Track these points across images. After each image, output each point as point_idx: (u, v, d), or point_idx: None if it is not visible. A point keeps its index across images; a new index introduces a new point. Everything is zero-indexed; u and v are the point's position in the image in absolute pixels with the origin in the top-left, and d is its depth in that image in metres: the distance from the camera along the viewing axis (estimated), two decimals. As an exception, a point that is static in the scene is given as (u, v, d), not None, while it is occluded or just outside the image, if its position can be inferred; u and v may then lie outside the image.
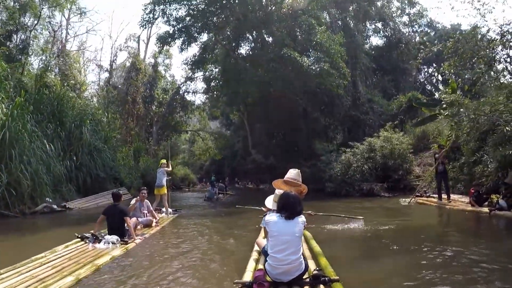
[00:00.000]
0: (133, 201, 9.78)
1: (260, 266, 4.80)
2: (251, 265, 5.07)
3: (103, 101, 35.98)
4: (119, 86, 36.79)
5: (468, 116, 12.54)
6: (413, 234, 9.02)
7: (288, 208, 4.38)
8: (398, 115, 24.83)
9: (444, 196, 13.87)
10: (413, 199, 15.08)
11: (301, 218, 4.39)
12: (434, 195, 14.99)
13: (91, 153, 20.11)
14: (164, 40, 25.66)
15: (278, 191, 5.67)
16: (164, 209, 12.82)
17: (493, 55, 13.45)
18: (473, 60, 13.53)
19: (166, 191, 12.84)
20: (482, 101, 12.78)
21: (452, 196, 13.95)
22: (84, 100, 26.24)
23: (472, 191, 12.04)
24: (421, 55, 17.57)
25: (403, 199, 15.67)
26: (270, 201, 5.87)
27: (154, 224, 9.89)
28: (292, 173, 5.99)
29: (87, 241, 7.43)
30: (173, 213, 13.08)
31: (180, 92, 40.05)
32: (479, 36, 13.36)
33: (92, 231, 7.68)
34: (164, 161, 13.77)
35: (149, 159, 30.87)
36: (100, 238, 7.44)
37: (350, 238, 8.70)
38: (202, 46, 28.95)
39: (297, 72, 22.50)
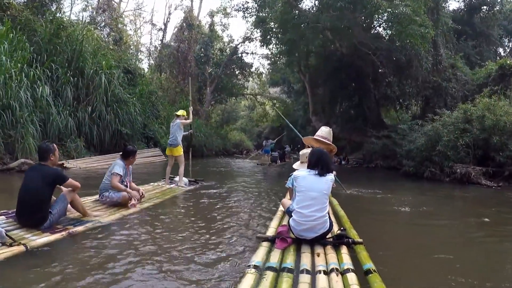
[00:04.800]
0: (116, 168, 6.73)
1: (284, 223, 4.86)
2: (274, 222, 5.23)
3: (154, 61, 36.95)
4: (172, 44, 37.09)
5: None
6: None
7: (320, 164, 4.40)
8: (488, 84, 21.84)
9: None
10: None
11: (331, 176, 4.41)
12: None
13: (112, 105, 18.24)
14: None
15: (305, 151, 5.71)
16: (177, 178, 10.22)
17: None
18: None
19: (182, 152, 10.09)
20: None
21: None
22: (123, 52, 25.41)
23: None
24: None
25: None
26: (297, 164, 5.82)
27: (132, 202, 6.69)
28: (324, 131, 6.06)
29: None
30: (189, 184, 10.42)
31: (238, 53, 39.40)
32: None
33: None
34: (182, 112, 10.48)
35: (197, 120, 30.00)
36: None
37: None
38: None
39: (370, 20, 20.20)
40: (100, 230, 5.15)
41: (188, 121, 10.39)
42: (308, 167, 4.53)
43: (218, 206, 7.59)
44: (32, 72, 13.78)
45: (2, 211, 5.27)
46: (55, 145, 5.17)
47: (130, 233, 5.15)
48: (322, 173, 4.33)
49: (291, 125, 13.21)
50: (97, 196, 6.79)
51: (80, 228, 5.02)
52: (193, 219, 6.38)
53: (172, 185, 9.88)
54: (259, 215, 6.79)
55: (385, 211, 8.13)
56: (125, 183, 6.81)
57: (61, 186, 5.28)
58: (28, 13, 16.39)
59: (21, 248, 4.05)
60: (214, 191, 9.84)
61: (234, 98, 45.83)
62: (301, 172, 4.47)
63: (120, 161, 6.87)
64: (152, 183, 10.04)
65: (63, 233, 4.71)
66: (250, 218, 6.48)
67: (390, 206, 8.64)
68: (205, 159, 25.49)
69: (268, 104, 48.93)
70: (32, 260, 3.91)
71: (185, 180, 10.25)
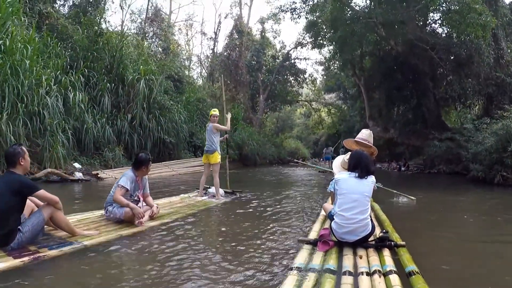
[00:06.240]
0: (123, 179, 5.78)
1: (326, 226, 4.95)
2: (316, 226, 5.33)
3: (206, 70, 36.88)
4: (223, 53, 37.98)
5: None
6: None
7: (360, 166, 4.44)
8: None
9: None
10: None
11: (372, 178, 4.44)
12: None
13: (154, 112, 17.96)
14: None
15: (346, 158, 5.63)
16: (211, 189, 9.26)
17: None
18: None
19: (219, 160, 8.99)
20: None
21: None
22: (170, 60, 25.89)
23: None
24: None
25: None
26: (337, 166, 5.91)
27: (140, 220, 5.56)
28: (364, 134, 6.08)
29: None
30: (225, 196, 9.33)
31: (291, 59, 39.89)
32: None
33: None
34: (215, 111, 9.23)
35: (249, 128, 30.03)
36: None
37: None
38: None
39: (424, 17, 19.55)
40: (79, 256, 4.14)
41: (223, 127, 9.12)
42: (348, 170, 4.60)
43: (255, 218, 6.93)
44: (64, 78, 13.76)
45: None
46: (24, 147, 4.38)
47: (119, 260, 4.13)
48: (362, 176, 4.37)
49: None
50: (103, 211, 5.89)
51: (53, 253, 4.02)
52: (218, 235, 5.63)
53: (204, 197, 8.94)
54: (301, 223, 6.53)
55: (444, 220, 7.62)
56: (136, 198, 5.90)
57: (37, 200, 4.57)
58: (64, 21, 16.85)
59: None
60: (255, 201, 9.00)
61: (288, 105, 45.98)
62: (342, 175, 4.52)
63: (130, 171, 5.95)
64: (182, 194, 9.20)
65: (25, 258, 3.77)
66: (290, 227, 6.21)
67: (452, 213, 8.18)
68: (258, 168, 25.47)
69: (324, 110, 48.83)
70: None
71: (221, 191, 9.18)
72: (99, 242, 4.58)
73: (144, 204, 6.03)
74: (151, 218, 5.98)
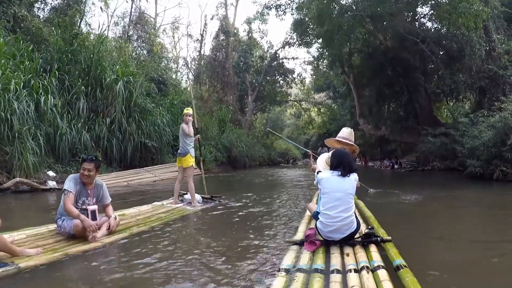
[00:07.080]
0: (65, 183, 5.00)
1: (312, 226, 4.99)
2: (302, 226, 5.33)
3: (193, 72, 37.01)
4: (210, 55, 37.73)
5: None
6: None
7: (343, 164, 4.49)
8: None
9: None
10: None
11: (355, 176, 4.53)
12: None
13: (134, 116, 17.37)
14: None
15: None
16: (187, 195, 8.63)
17: None
18: None
19: (192, 163, 8.36)
20: None
21: None
22: (152, 62, 25.46)
23: None
24: None
25: None
26: (322, 163, 5.70)
27: (93, 234, 4.71)
28: (345, 132, 6.13)
29: None
30: (203, 202, 8.67)
31: (279, 59, 40.08)
32: None
33: None
34: (188, 110, 8.56)
35: (237, 130, 29.70)
36: None
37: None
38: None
39: (413, 11, 19.37)
40: (11, 281, 3.42)
41: (186, 128, 8.28)
42: (330, 169, 4.66)
43: (238, 222, 6.67)
44: (34, 82, 13.25)
45: None
46: None
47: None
48: (345, 174, 4.43)
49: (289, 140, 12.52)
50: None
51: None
52: (193, 246, 4.89)
53: (179, 205, 8.25)
54: (287, 224, 6.36)
55: (440, 217, 7.39)
56: (84, 206, 4.98)
57: None
58: (39, 23, 16.53)
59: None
60: (239, 204, 8.68)
61: (277, 106, 45.94)
62: (325, 174, 4.59)
63: (76, 174, 5.20)
64: (155, 202, 8.40)
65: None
66: (276, 229, 6.03)
67: (449, 211, 8.01)
68: (247, 170, 25.43)
69: (313, 110, 48.84)
70: None
71: (198, 197, 8.60)
72: (37, 264, 3.80)
73: (103, 215, 5.28)
74: (110, 232, 5.10)
